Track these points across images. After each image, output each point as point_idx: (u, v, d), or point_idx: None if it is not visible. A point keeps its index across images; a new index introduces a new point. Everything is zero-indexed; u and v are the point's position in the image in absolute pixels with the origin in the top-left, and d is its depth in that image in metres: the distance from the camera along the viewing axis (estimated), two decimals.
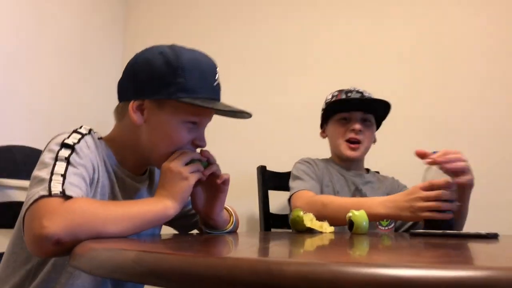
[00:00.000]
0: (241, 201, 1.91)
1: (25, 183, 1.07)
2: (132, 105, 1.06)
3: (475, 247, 0.89)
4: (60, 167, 0.93)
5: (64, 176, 0.91)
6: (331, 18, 2.27)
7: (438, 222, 1.22)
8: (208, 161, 1.12)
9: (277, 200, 1.99)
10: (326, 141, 1.78)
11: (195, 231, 1.32)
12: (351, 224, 1.24)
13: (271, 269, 0.53)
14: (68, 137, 1.00)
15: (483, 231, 1.12)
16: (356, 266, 0.47)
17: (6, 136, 1.66)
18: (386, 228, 1.57)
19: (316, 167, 1.67)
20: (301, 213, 1.31)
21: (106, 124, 1.17)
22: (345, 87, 1.71)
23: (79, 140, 1.00)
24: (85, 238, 0.83)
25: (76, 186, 0.91)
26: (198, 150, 1.14)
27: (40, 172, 0.93)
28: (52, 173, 0.91)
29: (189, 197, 1.16)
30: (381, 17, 2.21)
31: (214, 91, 1.10)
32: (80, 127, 1.06)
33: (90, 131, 1.06)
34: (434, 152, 1.26)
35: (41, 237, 0.83)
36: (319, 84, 2.15)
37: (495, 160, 1.97)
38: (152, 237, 1.06)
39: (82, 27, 2.20)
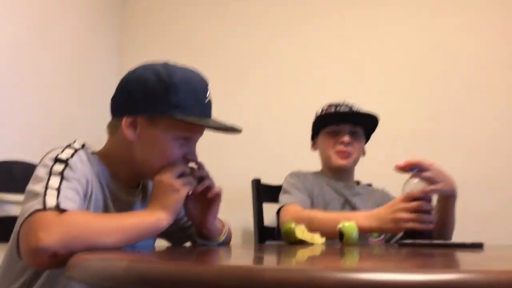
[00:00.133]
0: (236, 214, 1.94)
1: (22, 197, 1.10)
2: (125, 121, 1.09)
3: (455, 255, 0.92)
4: (54, 181, 0.95)
5: (58, 190, 0.94)
6: (324, 34, 2.32)
7: (418, 232, 1.27)
8: (202, 176, 1.15)
9: (272, 213, 2.01)
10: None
11: (188, 243, 1.35)
12: (341, 235, 1.28)
13: (253, 275, 0.56)
14: (62, 152, 1.03)
15: (471, 240, 1.15)
16: (330, 271, 0.50)
17: (4, 151, 1.69)
18: (377, 239, 1.60)
19: (306, 179, 1.71)
20: (293, 225, 1.34)
21: (103, 139, 1.20)
22: (337, 101, 1.76)
23: (72, 155, 1.03)
24: (80, 250, 0.85)
25: (70, 199, 0.94)
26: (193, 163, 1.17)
27: (35, 186, 0.95)
28: (46, 187, 0.94)
29: (183, 209, 1.20)
30: (370, 34, 2.27)
31: (206, 108, 1.13)
32: (74, 142, 1.09)
33: (83, 145, 1.09)
34: (413, 170, 1.32)
35: (37, 249, 0.85)
36: (313, 97, 2.19)
37: (484, 171, 2.02)
38: (145, 248, 1.09)
39: (79, 45, 2.24)
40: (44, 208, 0.90)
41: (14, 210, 1.70)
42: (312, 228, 1.36)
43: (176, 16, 2.51)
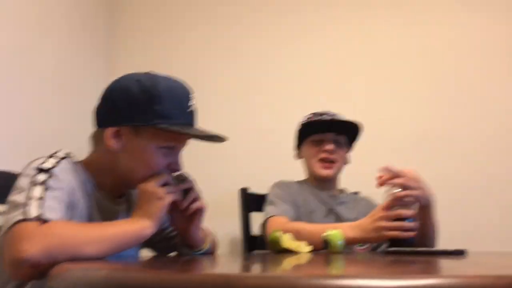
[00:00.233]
0: (223, 223, 1.94)
1: (4, 208, 1.09)
2: (109, 131, 1.10)
3: (436, 262, 0.93)
4: (37, 191, 0.95)
5: (41, 200, 0.94)
6: (309, 43, 2.34)
7: (401, 240, 1.28)
8: (187, 188, 1.16)
9: (259, 222, 2.02)
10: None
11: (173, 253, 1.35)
12: (325, 243, 1.29)
13: (234, 283, 0.57)
14: (44, 162, 1.03)
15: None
16: (306, 277, 0.51)
17: None
18: (363, 247, 1.61)
19: (290, 189, 1.71)
20: (279, 233, 1.35)
21: (88, 149, 1.20)
22: (321, 110, 1.77)
23: (56, 164, 1.03)
24: (63, 260, 0.84)
25: (53, 209, 0.94)
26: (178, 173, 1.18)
27: (17, 196, 0.95)
28: (28, 198, 0.94)
29: (168, 219, 1.20)
30: (363, 40, 2.30)
31: (190, 117, 1.14)
32: (57, 152, 1.09)
33: (67, 155, 1.09)
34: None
35: (20, 260, 0.85)
36: (301, 107, 2.20)
37: (480, 176, 2.07)
38: (127, 258, 1.09)
39: (66, 54, 2.24)
40: (26, 218, 0.89)
41: None
42: (299, 240, 1.37)
43: (163, 24, 2.51)
